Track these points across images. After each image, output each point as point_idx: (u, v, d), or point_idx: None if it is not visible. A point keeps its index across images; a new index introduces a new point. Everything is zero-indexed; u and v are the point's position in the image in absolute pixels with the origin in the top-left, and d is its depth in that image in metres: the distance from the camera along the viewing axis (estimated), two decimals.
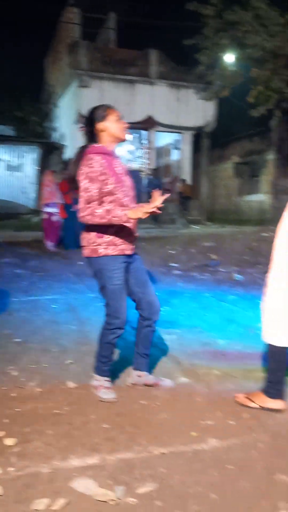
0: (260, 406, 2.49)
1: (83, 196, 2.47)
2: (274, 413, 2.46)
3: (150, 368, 3.05)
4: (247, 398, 2.56)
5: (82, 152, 2.57)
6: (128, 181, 2.64)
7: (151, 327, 2.74)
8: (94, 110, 2.60)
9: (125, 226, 2.54)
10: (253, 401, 2.52)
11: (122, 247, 2.57)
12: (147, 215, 2.40)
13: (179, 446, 2.11)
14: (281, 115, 9.56)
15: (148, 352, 2.79)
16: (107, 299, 2.60)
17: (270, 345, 2.47)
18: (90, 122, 2.58)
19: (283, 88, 8.61)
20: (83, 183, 2.48)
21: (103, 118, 2.55)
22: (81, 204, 2.48)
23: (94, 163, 2.48)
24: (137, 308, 2.73)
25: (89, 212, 2.44)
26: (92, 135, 2.59)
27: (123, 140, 2.67)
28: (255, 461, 2.01)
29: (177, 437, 2.19)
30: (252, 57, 9.00)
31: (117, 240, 2.55)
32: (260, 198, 16.25)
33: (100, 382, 2.68)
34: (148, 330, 2.74)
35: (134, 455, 2.03)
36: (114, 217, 2.41)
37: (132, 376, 2.80)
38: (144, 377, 2.78)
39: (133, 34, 16.61)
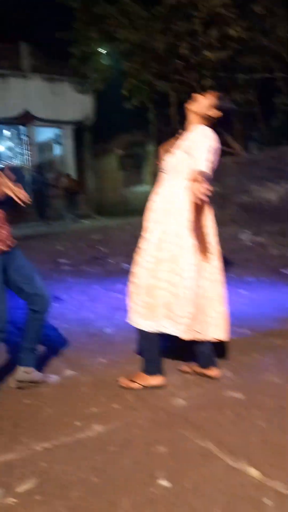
0: (142, 385, 2.59)
1: None
2: (155, 389, 2.58)
3: (36, 366, 3.01)
4: (129, 380, 2.64)
5: None
6: None
7: (41, 321, 2.69)
8: None
9: None
10: (135, 382, 2.61)
11: None
12: None
13: (62, 438, 2.11)
14: (153, 107, 9.91)
15: (36, 347, 2.74)
16: None
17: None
18: None
19: (153, 80, 8.95)
20: None
21: None
22: None
23: None
24: (27, 304, 2.66)
25: None
26: None
27: None
28: (136, 438, 2.09)
29: (61, 430, 2.19)
30: (121, 50, 9.19)
31: None
32: (145, 188, 16.73)
33: None
34: (37, 324, 2.68)
35: (15, 456, 1.98)
36: None
37: (18, 372, 2.70)
38: (32, 373, 2.71)
39: (1, 27, 15.87)
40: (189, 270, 2.48)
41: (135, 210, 16.95)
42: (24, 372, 2.70)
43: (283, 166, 8.05)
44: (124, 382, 2.64)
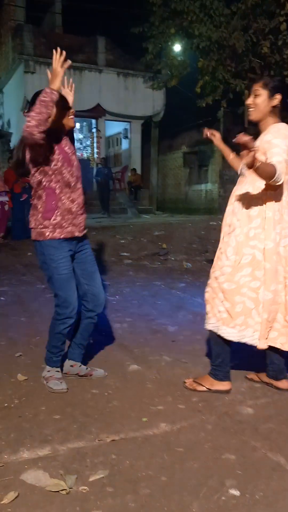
0: (208, 389, 2.57)
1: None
2: (222, 394, 2.54)
3: (101, 357, 3.08)
4: (195, 382, 2.63)
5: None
6: (76, 161, 2.62)
7: (92, 319, 2.74)
8: (39, 94, 2.54)
9: (70, 207, 2.54)
10: (201, 385, 2.59)
11: (69, 229, 2.54)
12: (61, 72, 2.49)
13: (130, 432, 2.14)
14: (226, 105, 9.73)
15: (85, 343, 2.79)
16: (56, 289, 2.57)
17: (211, 330, 2.55)
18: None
19: (229, 79, 8.78)
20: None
21: None
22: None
23: None
24: (82, 299, 2.72)
25: (26, 126, 2.30)
26: None
27: (70, 126, 2.65)
28: (203, 442, 2.07)
29: (128, 424, 2.22)
30: (198, 47, 9.09)
31: (64, 222, 2.52)
32: (208, 187, 16.55)
33: (51, 373, 2.65)
34: (89, 321, 2.74)
35: (85, 444, 2.03)
36: (42, 102, 2.33)
37: (65, 365, 2.78)
38: (76, 367, 2.78)
39: (80, 20, 16.26)
40: (269, 274, 2.41)
41: (197, 209, 16.86)
42: (70, 366, 2.77)
43: None
44: (190, 383, 2.63)
